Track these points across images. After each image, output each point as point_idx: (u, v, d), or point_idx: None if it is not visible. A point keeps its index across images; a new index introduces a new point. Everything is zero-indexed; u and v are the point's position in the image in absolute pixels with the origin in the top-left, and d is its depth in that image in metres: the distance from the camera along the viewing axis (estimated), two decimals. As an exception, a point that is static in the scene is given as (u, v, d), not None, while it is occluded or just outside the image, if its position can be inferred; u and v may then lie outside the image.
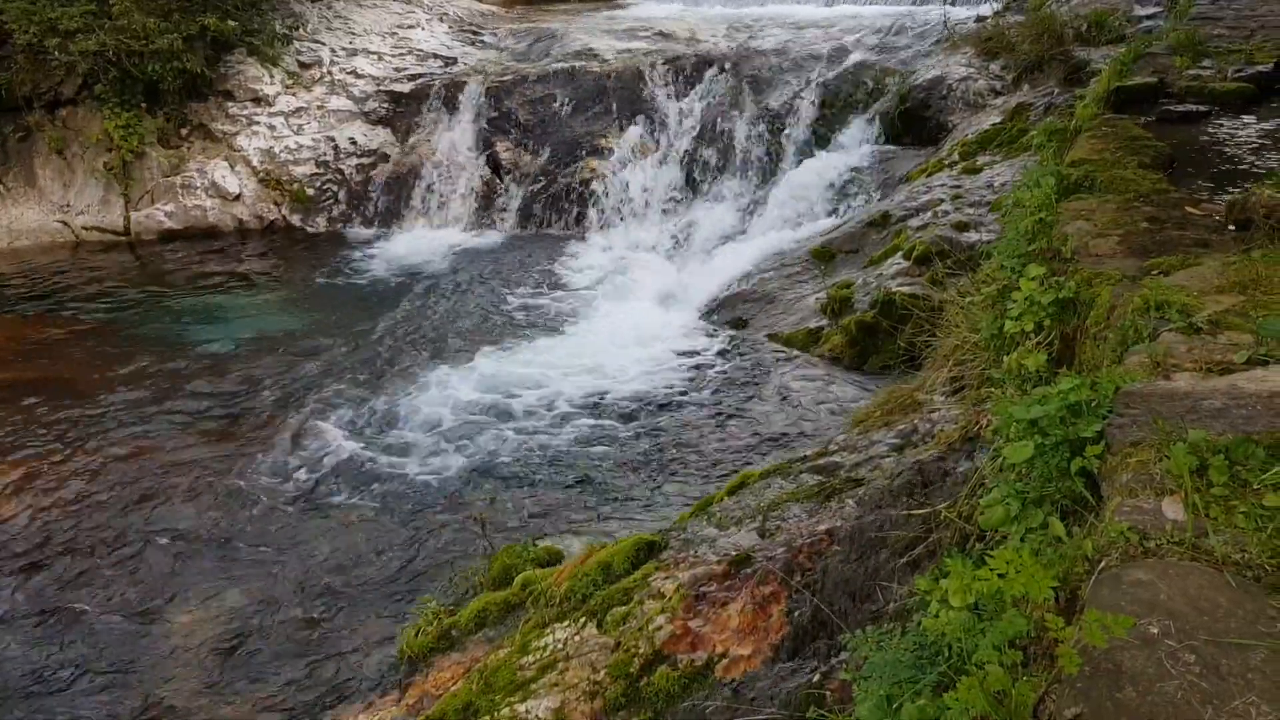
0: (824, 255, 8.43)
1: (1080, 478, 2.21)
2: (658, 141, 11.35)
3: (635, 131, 11.48)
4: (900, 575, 3.17)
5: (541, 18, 14.98)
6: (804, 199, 9.85)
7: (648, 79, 11.84)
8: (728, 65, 11.64)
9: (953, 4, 12.08)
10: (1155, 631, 1.63)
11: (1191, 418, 2.21)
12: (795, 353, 7.30)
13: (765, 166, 10.72)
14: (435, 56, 13.22)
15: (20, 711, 4.57)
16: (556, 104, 11.98)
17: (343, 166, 12.07)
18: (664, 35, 12.94)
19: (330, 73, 12.75)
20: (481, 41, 13.77)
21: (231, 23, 12.00)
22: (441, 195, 11.84)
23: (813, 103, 10.84)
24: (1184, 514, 1.91)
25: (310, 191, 11.92)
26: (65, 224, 11.75)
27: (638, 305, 8.92)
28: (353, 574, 5.42)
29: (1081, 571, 1.87)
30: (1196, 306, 2.75)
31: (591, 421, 6.83)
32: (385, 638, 4.86)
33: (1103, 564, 1.84)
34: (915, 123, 10.13)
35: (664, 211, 10.88)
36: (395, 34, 13.62)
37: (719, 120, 11.16)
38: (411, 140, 12.20)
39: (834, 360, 7.04)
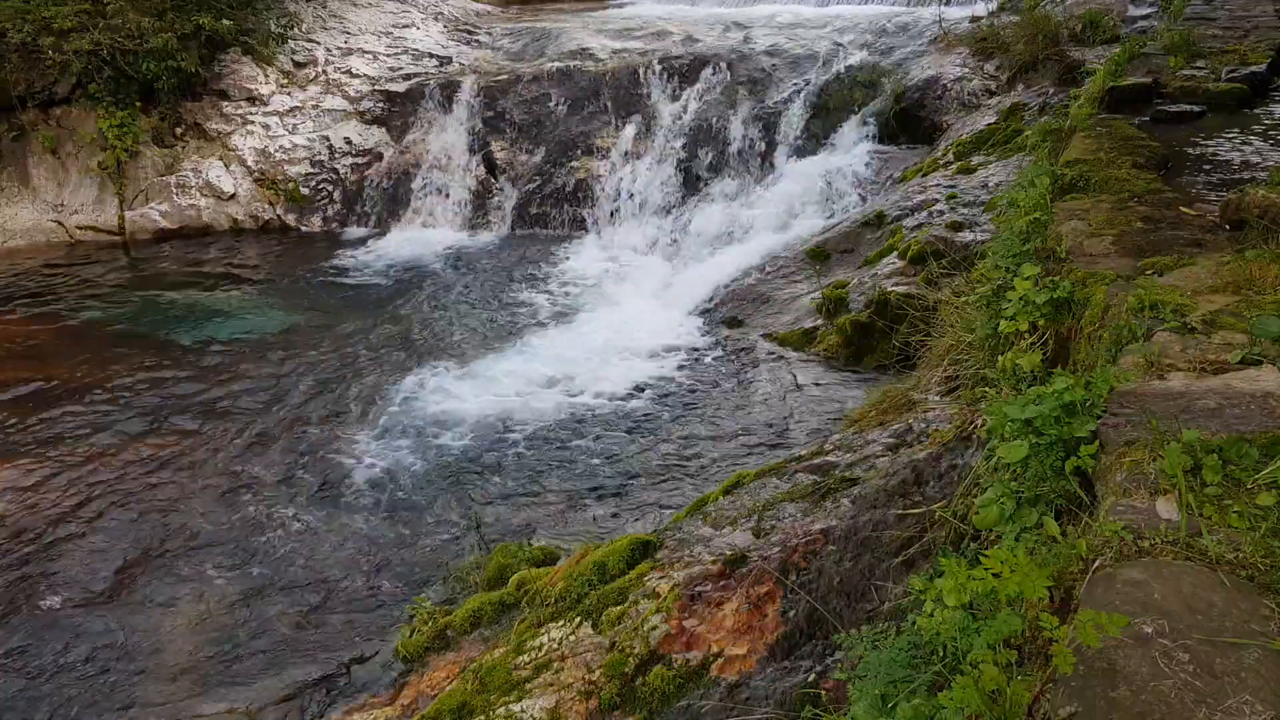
0: (819, 255, 8.44)
1: (1074, 477, 2.22)
2: (653, 141, 11.34)
3: (630, 131, 11.47)
4: (895, 575, 3.17)
5: (537, 17, 14.97)
6: (799, 199, 9.86)
7: (643, 79, 11.83)
8: (723, 65, 11.63)
9: (947, 4, 12.09)
10: (1149, 631, 1.63)
11: (1185, 417, 2.21)
12: (790, 352, 7.30)
13: (761, 166, 10.71)
14: (430, 56, 13.20)
15: (9, 712, 4.56)
16: (552, 103, 11.98)
17: (338, 166, 12.05)
18: (659, 35, 12.93)
19: (325, 72, 12.73)
20: (477, 41, 13.76)
21: (226, 22, 11.97)
22: (436, 195, 11.82)
23: (808, 102, 10.84)
24: (1178, 514, 1.92)
25: (305, 191, 11.90)
26: (59, 224, 11.71)
27: (633, 305, 8.91)
28: (348, 573, 5.41)
29: (1076, 571, 1.87)
30: (1190, 306, 2.76)
31: (586, 421, 6.83)
32: (380, 637, 4.86)
33: (1097, 563, 1.84)
34: (910, 123, 10.14)
35: (659, 211, 10.87)
36: (390, 33, 13.60)
37: (714, 120, 11.16)
38: (406, 140, 12.18)
39: (829, 360, 7.05)
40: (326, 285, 10.15)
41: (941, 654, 1.98)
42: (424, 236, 11.40)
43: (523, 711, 3.49)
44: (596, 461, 6.28)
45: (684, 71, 11.75)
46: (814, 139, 10.58)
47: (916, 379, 4.82)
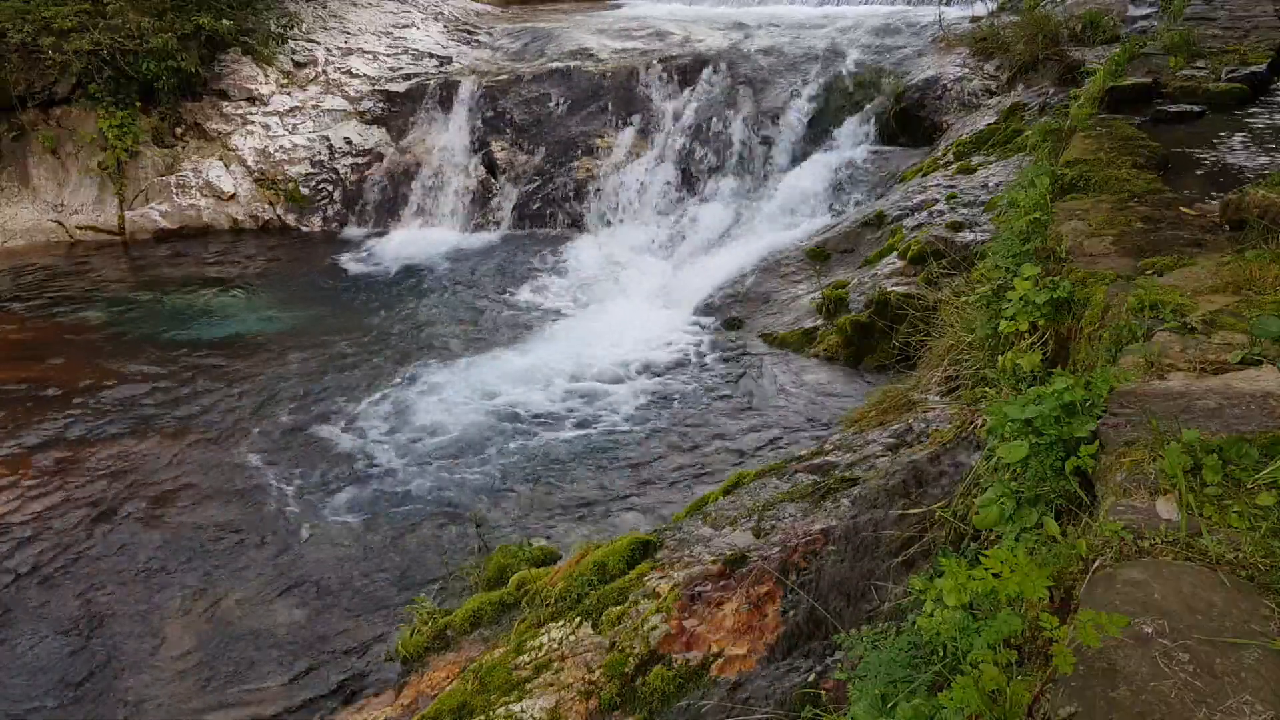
0: (819, 255, 8.44)
1: (1074, 477, 2.22)
2: (653, 141, 11.34)
3: (630, 131, 11.47)
4: (895, 575, 3.17)
5: (537, 17, 14.97)
6: (799, 199, 9.86)
7: (643, 79, 11.83)
8: (723, 65, 11.63)
9: (947, 4, 12.09)
10: (1149, 631, 1.63)
11: (1185, 417, 2.21)
12: (790, 353, 7.31)
13: (761, 166, 10.71)
14: (430, 56, 13.20)
15: (9, 712, 4.56)
16: (552, 103, 11.97)
17: (338, 166, 12.05)
18: (659, 35, 12.93)
19: (325, 72, 12.73)
20: (477, 41, 13.76)
21: (226, 22, 11.97)
22: (436, 195, 11.82)
23: (808, 102, 10.84)
24: (1178, 514, 1.92)
25: (305, 191, 11.90)
26: (59, 224, 11.71)
27: (632, 305, 8.91)
28: (348, 574, 5.41)
29: (1076, 571, 1.87)
30: (1190, 306, 2.76)
31: (585, 421, 6.83)
32: (381, 637, 4.86)
33: (1097, 563, 1.84)
34: (910, 123, 10.14)
35: (659, 211, 10.87)
36: (390, 33, 13.60)
37: (714, 120, 11.16)
38: (406, 140, 12.18)
39: (829, 360, 7.05)
40: (326, 286, 10.15)
41: (941, 654, 1.98)
42: (424, 236, 11.40)
43: (523, 711, 3.49)
44: (596, 462, 6.28)
45: (684, 71, 11.75)
46: (814, 139, 10.58)
47: (916, 379, 4.82)
